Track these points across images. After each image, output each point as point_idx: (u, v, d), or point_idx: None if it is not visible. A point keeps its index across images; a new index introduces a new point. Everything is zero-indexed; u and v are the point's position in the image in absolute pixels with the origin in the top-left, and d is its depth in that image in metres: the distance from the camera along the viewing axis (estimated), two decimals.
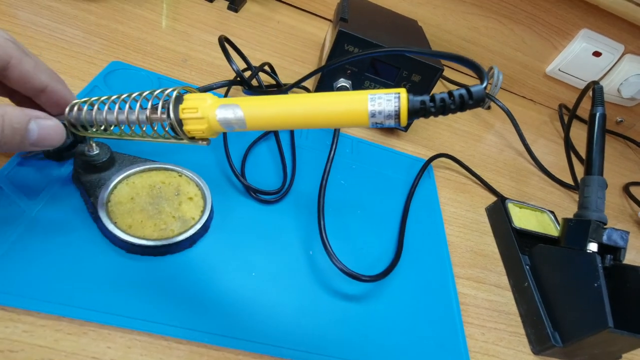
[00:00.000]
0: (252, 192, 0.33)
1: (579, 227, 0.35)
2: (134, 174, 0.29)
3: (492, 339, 0.33)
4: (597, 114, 0.38)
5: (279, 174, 0.37)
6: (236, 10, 0.57)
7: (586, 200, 0.36)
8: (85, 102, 0.24)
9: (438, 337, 0.31)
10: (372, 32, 0.42)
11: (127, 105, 0.22)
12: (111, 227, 0.26)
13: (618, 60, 0.68)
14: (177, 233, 0.28)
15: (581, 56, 0.67)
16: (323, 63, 0.45)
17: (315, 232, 0.33)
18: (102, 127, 0.24)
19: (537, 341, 0.33)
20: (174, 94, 0.21)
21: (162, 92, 0.22)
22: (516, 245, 0.39)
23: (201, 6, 0.55)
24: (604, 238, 0.34)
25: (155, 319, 0.24)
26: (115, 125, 0.23)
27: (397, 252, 0.34)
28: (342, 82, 0.43)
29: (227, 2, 0.58)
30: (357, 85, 0.44)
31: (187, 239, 0.28)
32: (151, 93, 0.22)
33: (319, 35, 0.62)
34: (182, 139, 0.22)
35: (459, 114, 0.59)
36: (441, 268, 0.36)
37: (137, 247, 0.26)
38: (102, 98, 0.23)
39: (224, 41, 0.39)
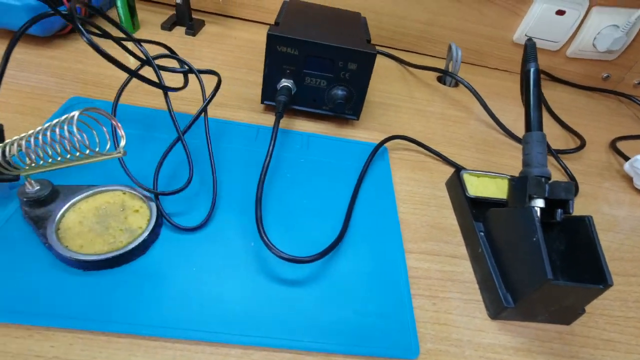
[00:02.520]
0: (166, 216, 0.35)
1: (520, 185, 0.35)
2: (79, 200, 0.32)
3: (445, 308, 0.33)
4: (531, 70, 0.38)
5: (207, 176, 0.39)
6: (194, 35, 0.61)
7: (527, 158, 0.36)
8: (6, 144, 0.27)
9: (385, 311, 0.31)
10: (302, 30, 0.44)
11: (40, 137, 0.25)
12: (62, 250, 0.28)
13: (586, 15, 0.66)
14: (126, 243, 0.30)
15: (545, 17, 0.65)
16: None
17: (255, 224, 0.34)
18: (31, 162, 0.27)
19: (492, 305, 0.33)
20: (77, 116, 0.23)
21: (71, 117, 0.24)
22: (470, 213, 0.39)
23: (161, 35, 0.59)
24: (547, 192, 0.33)
25: (96, 317, 0.26)
26: (40, 159, 0.26)
27: (340, 233, 0.35)
28: (284, 82, 0.45)
29: (185, 28, 0.61)
30: (299, 83, 0.45)
31: (136, 246, 0.30)
32: (61, 120, 0.25)
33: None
34: (99, 156, 0.25)
35: (424, 95, 0.59)
36: (391, 245, 0.36)
37: (90, 263, 0.29)
38: (23, 135, 0.26)
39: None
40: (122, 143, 0.26)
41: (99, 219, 0.31)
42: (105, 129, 0.27)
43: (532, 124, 0.37)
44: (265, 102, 0.47)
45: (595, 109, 0.72)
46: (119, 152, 0.25)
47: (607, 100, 0.76)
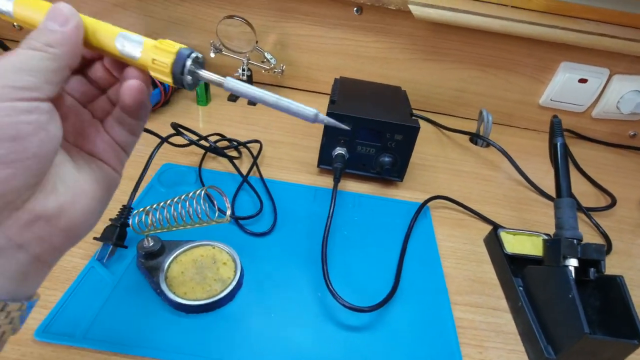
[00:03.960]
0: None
1: (554, 246, 0.39)
2: (180, 253, 0.39)
3: (491, 357, 0.37)
4: (558, 144, 0.44)
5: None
6: (254, 105, 0.71)
7: (559, 221, 0.41)
8: (142, 211, 0.35)
9: (436, 358, 0.35)
10: (354, 107, 0.52)
11: (173, 208, 0.33)
12: (172, 297, 0.35)
13: (607, 82, 0.72)
14: (220, 291, 0.37)
15: (568, 85, 0.72)
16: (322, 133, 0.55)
17: (322, 277, 0.40)
18: (157, 227, 0.34)
19: (534, 356, 0.37)
20: (203, 193, 0.31)
21: (195, 192, 0.32)
22: (509, 269, 0.43)
23: (227, 106, 0.70)
24: (579, 253, 0.38)
25: (196, 353, 0.32)
26: (167, 224, 0.34)
27: (394, 285, 0.40)
28: (338, 149, 0.53)
29: (247, 100, 0.72)
30: (351, 150, 0.53)
31: (227, 294, 0.37)
32: (187, 195, 0.33)
33: (324, 110, 0.73)
34: (211, 222, 0.32)
35: (459, 156, 0.66)
36: (438, 297, 0.41)
37: (192, 308, 0.35)
38: (154, 205, 0.35)
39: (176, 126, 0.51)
40: (228, 212, 0.33)
41: (197, 270, 0.38)
42: (214, 200, 0.35)
43: (562, 190, 0.42)
44: (321, 166, 0.55)
45: (624, 165, 0.75)
46: (226, 219, 0.33)
47: (636, 157, 0.79)
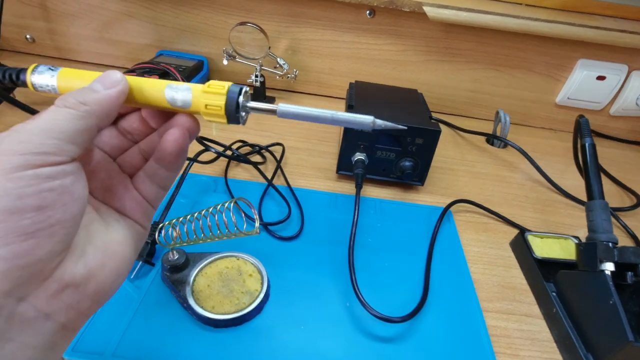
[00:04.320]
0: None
1: (589, 250, 0.38)
2: (205, 266, 0.39)
3: None
4: (587, 145, 0.43)
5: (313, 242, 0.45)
6: None
7: (592, 224, 0.40)
8: (169, 224, 0.34)
9: None
10: (373, 112, 0.51)
11: (201, 220, 0.33)
12: (201, 311, 0.34)
13: (626, 79, 0.71)
14: (248, 304, 0.36)
15: (586, 83, 0.71)
16: (340, 138, 0.54)
17: (350, 286, 0.39)
18: (184, 240, 0.34)
19: None
20: (232, 205, 0.31)
21: (223, 205, 0.32)
22: (540, 274, 0.42)
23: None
24: (616, 257, 0.37)
25: None
26: (195, 236, 0.33)
27: (423, 294, 0.39)
28: (358, 155, 0.52)
29: None
30: (371, 155, 0.52)
31: (256, 307, 0.36)
32: (215, 208, 0.32)
33: None
34: (240, 234, 0.32)
35: (476, 157, 0.65)
36: (468, 304, 0.40)
37: (222, 322, 0.34)
38: (180, 218, 0.34)
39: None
40: (257, 224, 0.33)
41: (223, 283, 0.37)
42: (243, 212, 0.35)
43: (594, 192, 0.41)
44: (340, 172, 0.54)
45: None
46: (256, 231, 0.32)
47: None
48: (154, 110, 0.22)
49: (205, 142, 0.50)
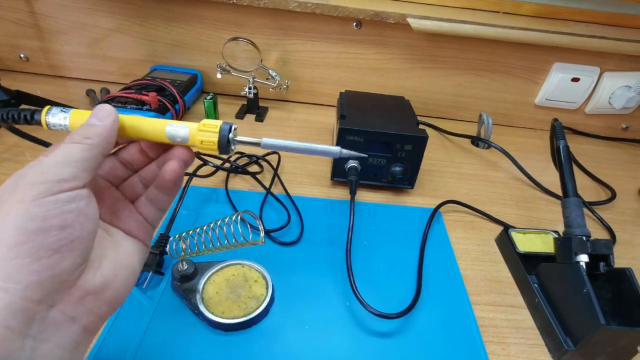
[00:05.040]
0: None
1: (565, 244, 0.42)
2: (212, 274, 0.41)
3: (514, 352, 0.39)
4: (561, 147, 0.46)
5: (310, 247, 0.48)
6: (262, 120, 0.73)
7: (567, 220, 0.43)
8: (178, 237, 0.37)
9: (463, 357, 0.38)
10: (364, 121, 0.54)
11: (210, 232, 0.35)
12: (212, 317, 0.37)
13: (599, 80, 0.75)
14: (255, 308, 0.38)
15: (562, 84, 0.75)
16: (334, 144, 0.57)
17: (348, 286, 0.42)
18: (194, 251, 0.36)
19: (555, 349, 0.39)
20: (239, 217, 0.33)
21: (230, 218, 0.34)
22: (523, 267, 0.46)
23: (237, 123, 0.72)
24: (590, 249, 0.40)
25: None
26: (204, 247, 0.36)
27: (417, 290, 0.42)
28: (351, 162, 0.55)
29: (255, 116, 0.74)
30: (363, 162, 0.55)
31: (262, 311, 0.38)
32: (222, 220, 0.35)
33: (328, 121, 0.76)
34: (246, 244, 0.34)
35: (463, 159, 0.68)
36: (458, 298, 0.43)
37: (232, 325, 0.37)
38: (190, 232, 0.36)
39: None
40: (262, 234, 0.35)
41: (231, 289, 0.40)
42: (248, 223, 0.37)
43: (569, 191, 0.44)
44: (335, 178, 0.57)
45: (619, 158, 0.78)
46: (261, 241, 0.35)
47: (630, 149, 0.82)
48: (153, 143, 0.26)
49: (204, 157, 0.52)
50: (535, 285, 0.44)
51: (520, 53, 0.74)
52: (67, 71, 0.79)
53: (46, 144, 0.52)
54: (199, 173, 0.53)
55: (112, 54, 0.77)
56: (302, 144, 0.26)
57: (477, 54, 0.74)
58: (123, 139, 0.25)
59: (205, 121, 0.25)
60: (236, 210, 0.51)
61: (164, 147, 0.27)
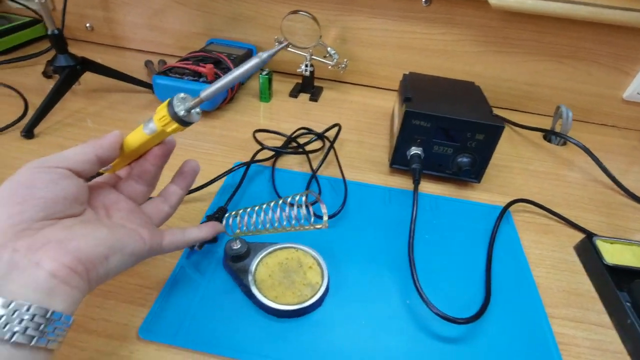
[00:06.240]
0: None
1: None
2: (265, 256, 0.39)
3: None
4: None
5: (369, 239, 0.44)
6: (316, 100, 0.70)
7: None
8: (235, 214, 0.35)
9: None
10: (433, 105, 0.50)
11: (270, 212, 0.33)
12: (265, 300, 0.35)
13: None
14: (310, 296, 0.36)
15: None
16: (395, 132, 0.53)
17: (410, 284, 0.39)
18: (252, 229, 0.34)
19: None
20: (304, 198, 0.30)
21: (293, 197, 0.31)
22: (611, 282, 0.40)
23: (288, 103, 0.69)
24: None
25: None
26: (263, 227, 0.34)
27: (486, 295, 0.38)
28: (414, 149, 0.51)
29: (309, 95, 0.71)
30: (427, 150, 0.51)
31: (318, 300, 0.36)
32: (284, 201, 0.32)
33: (387, 106, 0.71)
34: (308, 227, 0.32)
35: (533, 154, 0.62)
36: (532, 309, 0.38)
37: (285, 312, 0.35)
38: (247, 209, 0.34)
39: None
40: (325, 218, 0.32)
41: (284, 274, 0.38)
42: (308, 206, 0.34)
43: None
44: (394, 165, 0.53)
45: None
46: (324, 225, 0.32)
47: None
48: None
49: (261, 143, 0.50)
50: (628, 304, 0.38)
51: (610, 37, 0.64)
52: (127, 42, 0.80)
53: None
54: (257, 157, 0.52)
55: (170, 26, 0.77)
56: (231, 74, 0.28)
57: (561, 37, 0.66)
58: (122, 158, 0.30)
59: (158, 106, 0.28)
60: (276, 191, 0.48)
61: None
